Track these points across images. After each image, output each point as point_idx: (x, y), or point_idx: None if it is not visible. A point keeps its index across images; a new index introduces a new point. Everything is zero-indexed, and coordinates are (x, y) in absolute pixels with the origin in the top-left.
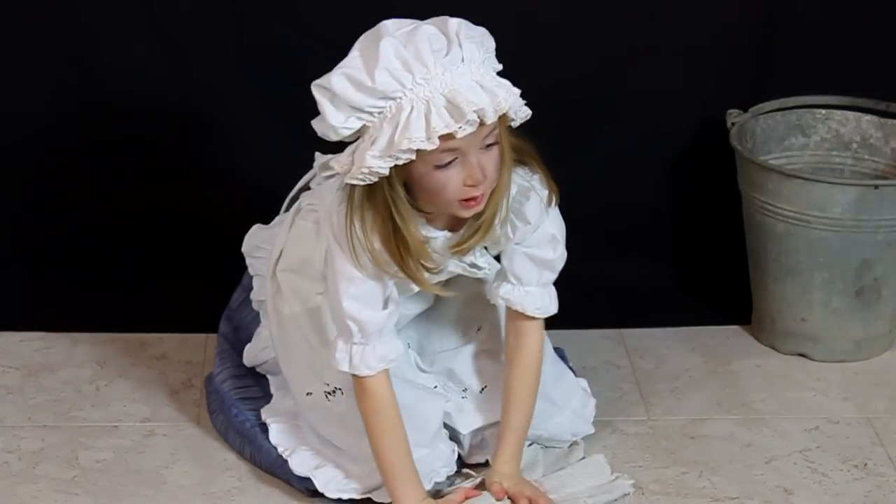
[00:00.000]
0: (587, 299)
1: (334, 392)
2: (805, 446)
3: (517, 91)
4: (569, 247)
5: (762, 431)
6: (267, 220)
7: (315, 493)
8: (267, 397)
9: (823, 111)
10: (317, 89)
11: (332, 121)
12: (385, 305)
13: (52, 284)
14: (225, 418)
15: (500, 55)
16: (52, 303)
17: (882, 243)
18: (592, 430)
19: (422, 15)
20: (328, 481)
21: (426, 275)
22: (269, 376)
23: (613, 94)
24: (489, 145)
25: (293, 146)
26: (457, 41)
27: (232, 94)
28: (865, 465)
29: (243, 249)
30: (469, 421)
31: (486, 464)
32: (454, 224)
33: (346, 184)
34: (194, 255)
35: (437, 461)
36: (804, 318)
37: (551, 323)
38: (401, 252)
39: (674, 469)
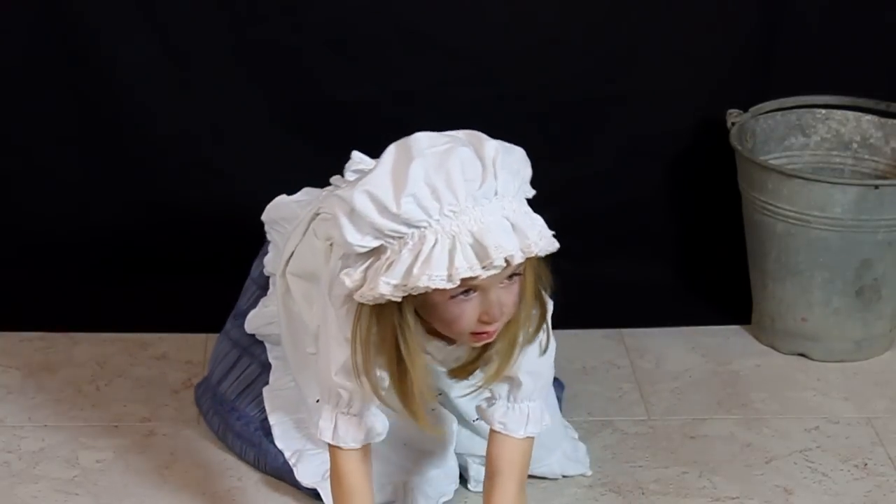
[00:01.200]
0: (587, 299)
1: None
2: (805, 446)
3: (549, 232)
4: (569, 247)
5: (762, 431)
6: None
7: (320, 496)
8: (265, 371)
9: (823, 111)
10: (337, 202)
11: (349, 238)
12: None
13: (52, 284)
14: (222, 421)
15: (500, 56)
16: (52, 303)
17: (882, 243)
18: (589, 472)
19: (422, 15)
20: None
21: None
22: (266, 343)
23: (613, 94)
24: (511, 276)
25: (293, 146)
26: (492, 170)
27: (232, 94)
28: (865, 465)
29: (263, 218)
30: (456, 444)
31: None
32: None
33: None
34: (194, 254)
35: (446, 480)
36: (804, 318)
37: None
38: (402, 381)
39: (674, 469)
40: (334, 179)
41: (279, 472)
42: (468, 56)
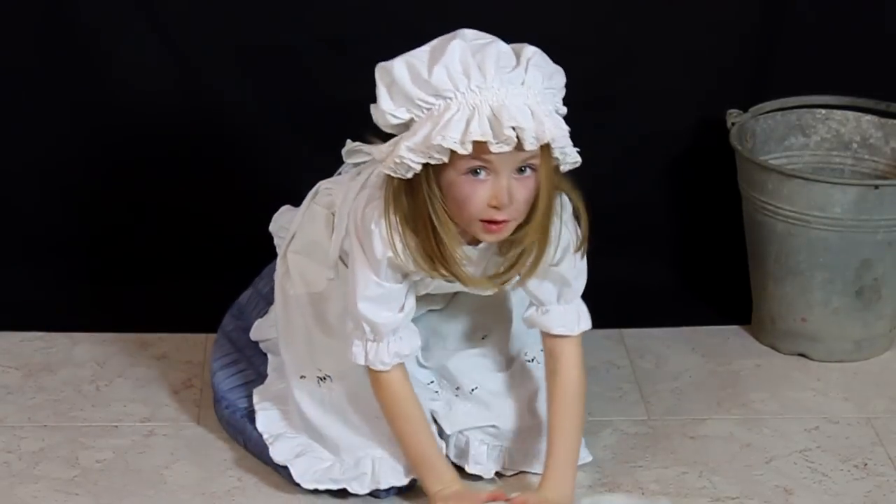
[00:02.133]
0: (587, 299)
1: (325, 379)
2: (805, 446)
3: (567, 128)
4: None
5: (762, 431)
6: (267, 219)
7: (313, 490)
8: (260, 379)
9: (823, 111)
10: (379, 72)
11: (384, 106)
12: (402, 308)
13: (52, 284)
14: (219, 410)
15: None
16: (52, 303)
17: (882, 243)
18: (590, 458)
19: (421, 15)
20: (305, 471)
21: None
22: (269, 355)
23: (613, 94)
24: (524, 171)
25: (293, 146)
26: (524, 65)
27: (231, 94)
28: (865, 465)
29: (271, 228)
30: (454, 421)
31: (465, 472)
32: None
33: (385, 177)
34: (194, 255)
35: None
36: (804, 318)
37: None
38: (441, 250)
39: (674, 469)
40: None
41: (261, 454)
42: None
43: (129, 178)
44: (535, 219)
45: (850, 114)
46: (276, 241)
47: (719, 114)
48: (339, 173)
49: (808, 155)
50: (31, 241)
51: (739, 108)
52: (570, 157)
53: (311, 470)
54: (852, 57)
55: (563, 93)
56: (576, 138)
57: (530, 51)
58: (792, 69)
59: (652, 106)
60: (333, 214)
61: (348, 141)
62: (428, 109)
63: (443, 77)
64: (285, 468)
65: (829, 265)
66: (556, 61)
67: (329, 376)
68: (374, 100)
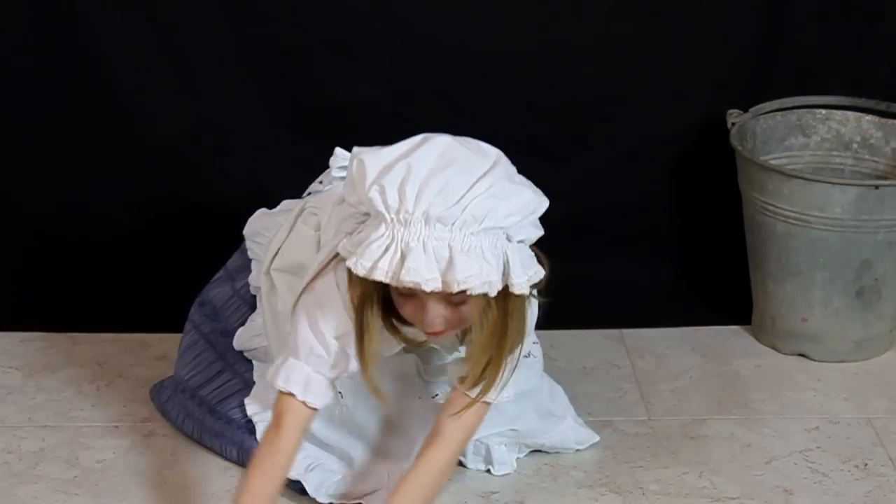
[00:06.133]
0: (587, 299)
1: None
2: (805, 446)
3: (492, 273)
4: (569, 247)
5: (762, 432)
6: None
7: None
8: (247, 387)
9: (824, 111)
10: (350, 158)
11: (345, 195)
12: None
13: (52, 284)
14: (196, 423)
15: (500, 56)
16: (52, 303)
17: (882, 243)
18: (598, 438)
19: (422, 15)
20: (319, 485)
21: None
22: (255, 362)
23: (613, 95)
24: (456, 303)
25: (293, 146)
26: (468, 200)
27: (232, 94)
28: (866, 465)
29: (245, 232)
30: None
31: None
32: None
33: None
34: (195, 254)
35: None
36: (804, 319)
37: (547, 324)
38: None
39: (674, 469)
40: (313, 187)
41: None
42: (468, 56)
43: (128, 177)
44: (478, 340)
45: (850, 114)
46: (248, 244)
47: (719, 114)
48: (321, 181)
49: (809, 155)
50: (32, 242)
51: (740, 108)
52: (516, 285)
53: (324, 484)
54: (852, 57)
55: (515, 222)
56: (576, 139)
57: (486, 182)
58: (792, 69)
59: (652, 106)
60: (319, 234)
61: (338, 149)
62: (365, 219)
63: (376, 197)
64: (297, 482)
65: (830, 265)
66: (556, 62)
67: (340, 392)
68: (374, 100)
